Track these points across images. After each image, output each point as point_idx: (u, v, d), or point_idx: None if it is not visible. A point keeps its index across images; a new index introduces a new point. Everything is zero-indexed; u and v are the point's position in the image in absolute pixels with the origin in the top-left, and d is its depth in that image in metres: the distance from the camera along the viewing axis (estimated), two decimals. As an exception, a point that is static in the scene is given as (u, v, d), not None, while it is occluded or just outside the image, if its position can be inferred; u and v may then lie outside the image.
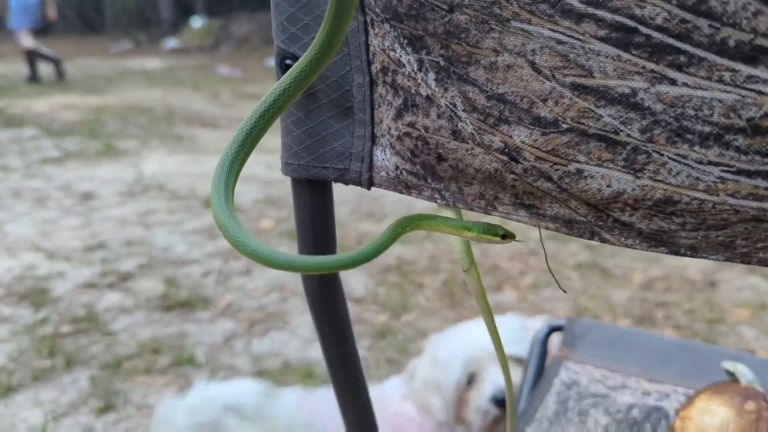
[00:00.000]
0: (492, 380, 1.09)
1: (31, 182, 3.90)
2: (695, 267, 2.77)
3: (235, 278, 2.63)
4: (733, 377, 0.82)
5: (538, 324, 1.20)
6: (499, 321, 1.20)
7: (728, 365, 0.82)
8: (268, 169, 4.19)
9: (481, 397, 1.10)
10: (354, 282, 2.58)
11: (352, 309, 2.36)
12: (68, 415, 1.75)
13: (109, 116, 6.15)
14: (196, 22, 14.53)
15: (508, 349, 1.10)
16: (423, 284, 2.57)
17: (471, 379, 1.13)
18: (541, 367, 0.97)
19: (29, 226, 3.15)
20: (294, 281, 2.57)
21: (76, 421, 1.72)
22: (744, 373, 0.81)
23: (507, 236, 0.42)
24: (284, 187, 3.77)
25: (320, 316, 0.56)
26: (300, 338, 2.17)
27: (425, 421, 1.22)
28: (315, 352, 2.07)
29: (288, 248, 2.89)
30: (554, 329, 1.02)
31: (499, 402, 1.07)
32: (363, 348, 2.09)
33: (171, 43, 13.83)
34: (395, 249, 2.93)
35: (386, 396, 1.29)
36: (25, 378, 1.91)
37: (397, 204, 3.60)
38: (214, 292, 2.50)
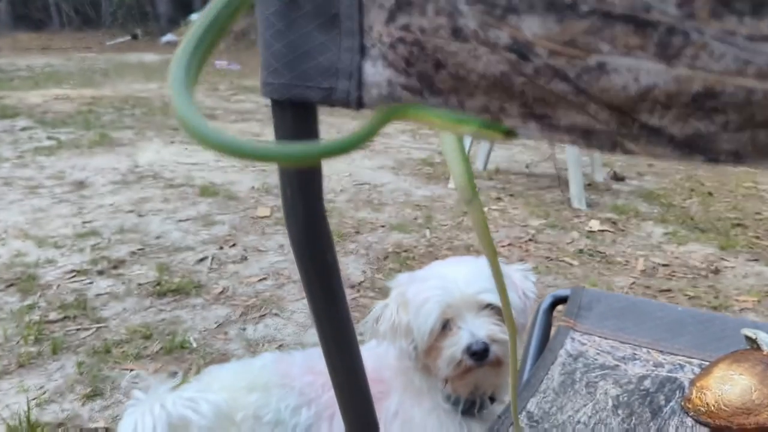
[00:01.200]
0: (468, 329, 1.02)
1: (23, 171, 3.83)
2: (699, 254, 2.72)
3: (230, 265, 2.57)
4: (754, 345, 0.76)
5: (514, 270, 1.13)
6: (475, 264, 1.14)
7: (749, 332, 0.77)
8: (264, 158, 4.12)
9: (455, 346, 1.03)
10: (351, 268, 2.52)
11: (350, 295, 2.31)
12: (53, 401, 1.69)
13: (104, 108, 6.08)
14: (195, 17, 14.44)
15: (484, 297, 1.03)
16: (421, 271, 2.51)
17: (445, 326, 1.06)
18: (545, 339, 0.91)
19: (19, 214, 3.09)
20: (290, 267, 2.51)
21: (61, 408, 1.66)
22: (766, 340, 0.75)
23: (510, 133, 0.36)
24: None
25: (306, 263, 0.50)
26: (295, 324, 2.11)
27: (383, 371, 1.17)
28: (310, 338, 2.01)
29: (283, 236, 2.83)
30: (558, 300, 0.96)
31: (474, 354, 1.01)
32: (359, 334, 2.03)
33: (168, 37, 13.75)
34: (393, 236, 2.88)
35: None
36: (10, 365, 1.85)
37: (395, 192, 3.55)
38: (208, 278, 2.44)
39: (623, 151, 0.35)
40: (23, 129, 5.01)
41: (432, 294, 1.04)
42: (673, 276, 2.51)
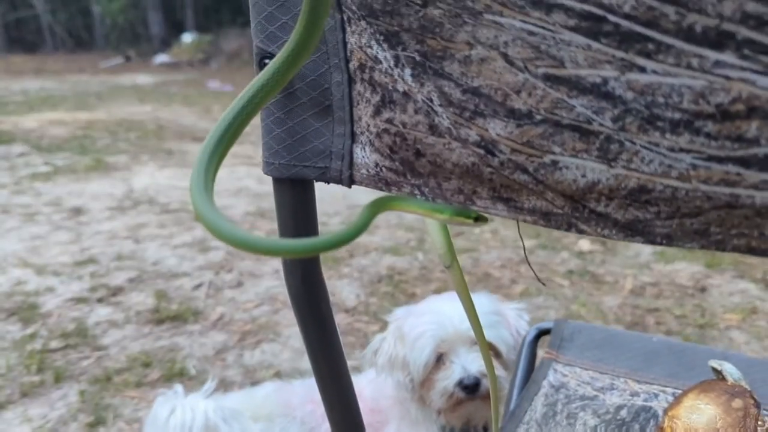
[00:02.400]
0: (461, 363, 1.08)
1: (20, 198, 3.88)
2: (686, 273, 2.78)
3: (226, 290, 2.62)
4: (720, 375, 0.82)
5: (508, 309, 1.20)
6: (473, 298, 1.20)
7: (715, 364, 0.82)
8: (259, 182, 4.19)
9: (448, 379, 1.09)
10: (345, 292, 2.58)
11: (344, 319, 2.36)
12: (57, 431, 1.73)
13: (99, 132, 6.14)
14: (187, 37, 14.57)
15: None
16: (415, 294, 2.57)
17: (438, 360, 1.12)
18: (529, 370, 0.97)
19: (18, 242, 3.14)
20: (285, 292, 2.56)
21: (65, 437, 1.70)
22: (730, 371, 0.81)
23: (480, 219, 0.42)
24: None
25: (303, 313, 0.56)
26: (291, 349, 2.16)
27: (381, 401, 1.22)
28: (307, 363, 2.05)
29: (278, 261, 2.87)
30: (542, 332, 1.02)
31: (466, 387, 1.07)
32: (354, 359, 2.08)
33: (161, 58, 13.84)
34: (386, 259, 2.93)
35: (357, 383, 1.29)
36: (13, 394, 1.89)
37: (387, 215, 3.61)
38: (205, 304, 2.49)
39: (577, 231, 0.41)
40: (19, 155, 5.06)
41: (427, 329, 1.10)
42: (661, 295, 2.57)
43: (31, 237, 3.21)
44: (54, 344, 2.17)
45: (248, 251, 0.34)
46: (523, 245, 0.81)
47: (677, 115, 0.34)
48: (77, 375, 1.99)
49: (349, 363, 1.89)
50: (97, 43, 16.76)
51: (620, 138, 0.36)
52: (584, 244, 3.12)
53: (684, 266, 2.86)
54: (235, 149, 5.38)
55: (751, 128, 0.32)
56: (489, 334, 1.09)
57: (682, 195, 0.36)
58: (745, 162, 0.33)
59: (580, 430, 0.79)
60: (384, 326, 2.09)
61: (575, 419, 0.81)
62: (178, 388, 1.21)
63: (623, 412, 0.83)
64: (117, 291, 2.60)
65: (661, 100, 0.34)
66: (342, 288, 2.62)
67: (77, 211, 3.64)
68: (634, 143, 0.36)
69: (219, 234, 0.34)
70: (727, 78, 0.32)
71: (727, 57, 0.31)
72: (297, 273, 0.54)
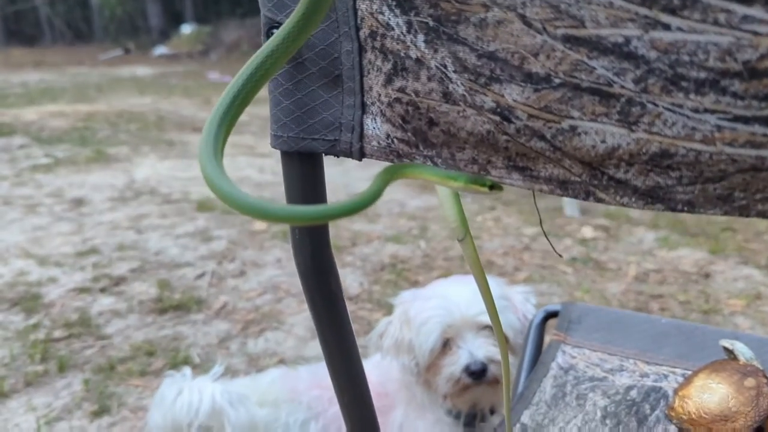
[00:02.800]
0: (467, 349, 1.07)
1: (22, 190, 3.87)
2: (689, 259, 2.78)
3: (229, 279, 2.61)
4: (731, 355, 0.81)
5: (515, 293, 1.19)
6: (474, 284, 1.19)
7: (726, 343, 0.82)
8: (260, 171, 4.18)
9: (454, 365, 1.08)
10: (349, 280, 2.57)
11: (347, 307, 2.35)
12: (62, 419, 1.73)
13: (99, 123, 6.12)
14: (186, 28, 14.51)
15: (483, 318, 1.08)
16: (418, 282, 2.56)
17: (445, 345, 1.11)
18: (537, 352, 0.96)
19: (20, 233, 3.13)
20: (288, 281, 2.56)
21: (69, 426, 1.70)
22: (742, 350, 0.80)
23: (494, 187, 0.41)
24: (277, 190, 3.76)
25: (312, 290, 0.55)
26: (295, 337, 2.16)
27: (387, 385, 1.22)
28: (311, 351, 2.05)
29: (281, 250, 2.88)
30: (550, 315, 1.01)
31: (472, 373, 1.06)
32: (359, 345, 2.07)
33: (160, 50, 13.80)
34: (389, 247, 2.93)
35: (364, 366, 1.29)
36: (17, 384, 1.89)
37: (390, 203, 3.60)
38: (208, 293, 2.49)
39: (595, 200, 0.40)
40: (20, 147, 5.05)
41: (434, 314, 1.09)
42: (665, 281, 2.57)
43: (33, 228, 3.20)
44: (57, 334, 2.17)
45: (259, 218, 0.33)
46: (539, 216, 0.80)
47: (702, 74, 0.33)
48: (81, 364, 1.99)
49: (354, 350, 1.87)
50: (96, 35, 16.70)
51: (642, 100, 0.35)
52: (587, 231, 3.11)
53: (688, 252, 2.85)
54: (235, 139, 5.36)
55: (779, 86, 0.31)
56: None
57: (705, 158, 0.35)
58: (772, 122, 0.32)
59: (590, 411, 0.79)
60: (387, 313, 2.08)
61: (585, 400, 0.81)
62: (187, 370, 1.21)
63: (633, 393, 0.82)
64: (119, 281, 2.59)
65: (685, 58, 0.33)
66: (345, 276, 2.61)
67: (79, 202, 3.63)
68: (656, 105, 0.35)
69: (230, 201, 0.33)
70: (756, 33, 0.31)
71: (756, 11, 0.30)
72: (306, 249, 0.53)
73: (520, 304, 1.17)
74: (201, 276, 2.64)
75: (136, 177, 4.18)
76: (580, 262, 2.75)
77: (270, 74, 0.39)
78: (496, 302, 1.11)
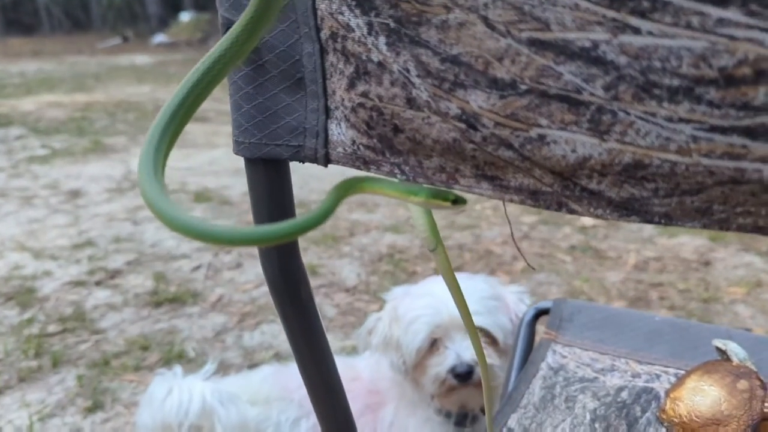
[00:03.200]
0: (454, 350, 1.06)
1: (18, 182, 3.85)
2: (689, 246, 2.75)
3: (225, 272, 2.60)
4: (724, 355, 0.79)
5: (509, 293, 1.17)
6: (468, 285, 1.17)
7: (719, 343, 0.79)
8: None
9: (440, 366, 1.06)
10: (346, 271, 2.55)
11: (344, 299, 2.34)
12: (55, 415, 1.72)
13: (97, 113, 6.09)
14: (185, 16, 14.42)
15: (477, 320, 1.06)
16: (415, 272, 2.54)
17: (432, 345, 1.09)
18: (528, 351, 0.94)
19: (15, 225, 3.11)
20: (284, 273, 2.54)
21: (63, 422, 1.69)
22: (736, 351, 0.78)
23: (458, 201, 0.39)
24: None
25: (282, 301, 0.53)
26: (291, 330, 2.14)
27: (379, 382, 1.20)
28: (306, 344, 2.04)
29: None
30: (541, 312, 0.99)
31: (458, 375, 1.04)
32: (355, 338, 2.06)
33: (159, 38, 13.72)
34: (387, 238, 2.91)
35: (355, 364, 1.28)
36: (11, 379, 1.88)
37: (388, 192, 3.56)
38: (204, 286, 2.47)
39: (568, 211, 0.38)
40: (17, 138, 5.02)
41: (422, 313, 1.07)
42: (665, 269, 2.54)
43: (29, 220, 3.19)
44: (52, 328, 2.16)
45: (200, 240, 0.31)
46: (510, 225, 0.79)
47: (676, 82, 0.30)
48: (75, 359, 1.98)
49: (349, 343, 1.86)
50: (95, 23, 16.62)
51: (613, 108, 0.32)
52: (587, 219, 3.08)
53: (688, 240, 2.83)
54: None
55: (759, 94, 0.29)
56: (486, 321, 1.07)
57: (681, 170, 0.33)
58: (751, 132, 0.30)
59: (579, 414, 0.77)
60: (384, 305, 2.07)
61: (574, 402, 0.79)
62: (177, 369, 1.19)
63: (624, 394, 0.80)
64: (115, 274, 2.58)
65: (657, 64, 0.30)
66: (342, 267, 2.60)
67: (75, 194, 3.61)
68: (628, 114, 0.32)
69: (168, 222, 0.31)
70: (732, 38, 0.28)
71: (732, 14, 0.28)
72: (274, 260, 0.51)
73: (513, 304, 1.15)
74: (197, 268, 2.63)
75: (134, 168, 4.16)
76: (579, 250, 2.73)
77: (219, 79, 0.36)
78: (486, 303, 1.09)
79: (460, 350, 1.04)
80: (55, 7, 16.63)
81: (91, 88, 7.80)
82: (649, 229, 2.97)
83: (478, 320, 1.05)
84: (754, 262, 2.58)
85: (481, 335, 1.05)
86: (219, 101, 6.69)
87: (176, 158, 4.37)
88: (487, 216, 3.16)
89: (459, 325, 1.05)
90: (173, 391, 1.10)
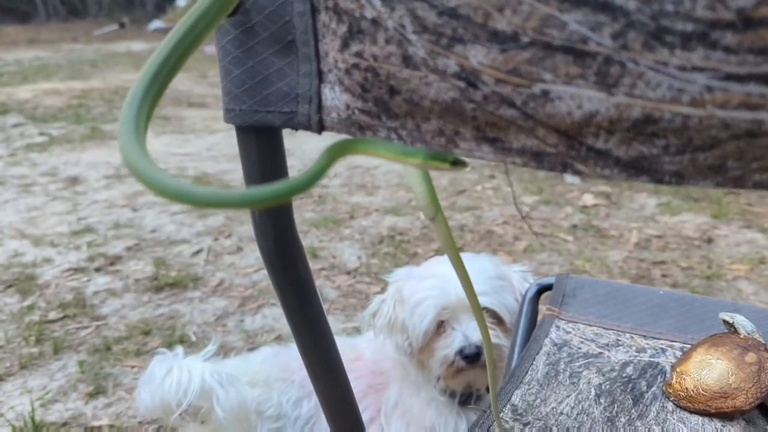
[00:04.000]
0: (462, 332, 1.04)
1: (16, 169, 3.83)
2: (692, 224, 2.73)
3: (226, 256, 2.58)
4: (731, 328, 0.78)
5: (514, 272, 1.15)
6: (473, 264, 1.15)
7: (726, 316, 0.78)
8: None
9: (448, 348, 1.05)
10: (347, 254, 2.54)
11: (345, 281, 2.32)
12: (57, 401, 1.71)
13: (94, 100, 6.05)
14: (181, 1, 14.30)
15: (480, 300, 1.05)
16: (417, 254, 2.53)
17: (439, 326, 1.08)
18: (531, 328, 0.92)
19: (14, 213, 3.10)
20: (285, 256, 2.53)
21: (65, 407, 1.68)
22: (743, 323, 0.77)
23: (457, 163, 0.37)
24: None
25: (278, 276, 0.51)
26: (292, 313, 2.13)
27: (382, 363, 1.19)
28: (308, 327, 2.03)
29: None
30: (543, 288, 0.97)
31: (466, 357, 1.03)
32: (356, 320, 2.05)
33: (156, 24, 13.62)
34: (387, 220, 2.89)
35: (357, 344, 1.27)
36: (12, 366, 1.87)
37: (388, 174, 3.55)
38: (205, 270, 2.46)
39: (573, 172, 0.36)
40: (14, 126, 5.00)
41: (428, 294, 1.05)
42: (667, 247, 2.53)
43: (28, 208, 3.17)
44: (52, 315, 2.15)
45: (180, 202, 0.29)
46: (513, 194, 0.76)
47: (689, 26, 0.28)
48: (76, 345, 1.97)
49: (351, 325, 1.85)
50: (90, 10, 16.49)
51: (621, 59, 0.31)
52: (588, 198, 3.06)
53: (690, 217, 2.81)
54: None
55: (778, 38, 0.27)
56: (492, 301, 1.05)
57: (694, 124, 0.31)
58: (770, 80, 0.28)
59: (584, 390, 0.75)
60: (386, 287, 2.06)
61: (579, 378, 0.77)
62: (179, 349, 1.18)
63: (629, 369, 0.79)
64: (115, 260, 2.56)
65: (669, 8, 0.28)
66: (343, 250, 2.58)
67: (74, 181, 3.59)
68: (637, 64, 0.30)
69: (151, 184, 0.29)
70: (750, -24, 0.26)
71: (750, -51, 0.26)
72: (269, 234, 0.49)
73: (517, 283, 1.13)
74: (197, 253, 2.61)
75: (132, 154, 4.13)
76: (581, 229, 2.71)
77: (202, 38, 0.34)
78: (492, 282, 1.08)
79: (468, 331, 1.03)
80: (51, -5, 16.51)
81: (88, 76, 7.75)
82: (651, 206, 2.95)
83: (484, 300, 1.04)
84: (757, 239, 2.56)
85: (487, 315, 1.04)
86: (217, 86, 6.65)
87: (175, 144, 4.35)
88: (488, 197, 3.14)
89: (466, 306, 1.04)
90: (173, 371, 1.09)
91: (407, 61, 0.37)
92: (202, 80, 7.14)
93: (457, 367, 1.04)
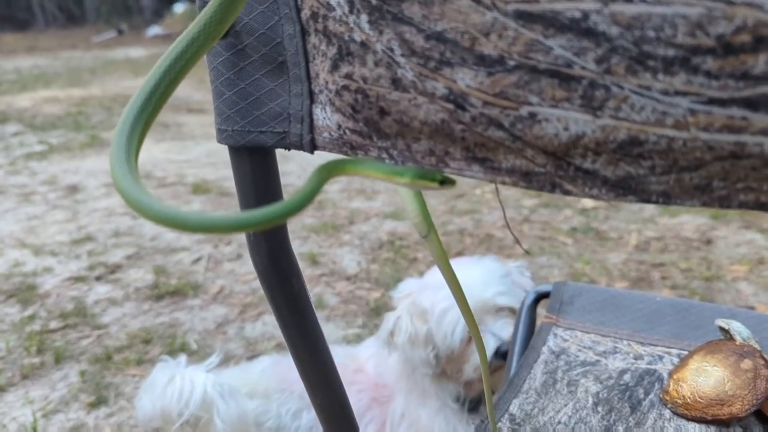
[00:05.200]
0: (491, 332, 1.05)
1: (16, 178, 3.83)
2: (691, 225, 2.74)
3: (226, 263, 2.59)
4: (727, 335, 0.78)
5: (513, 268, 1.17)
6: (483, 266, 1.16)
7: (722, 323, 0.78)
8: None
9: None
10: (346, 260, 2.54)
11: (345, 287, 2.33)
12: (59, 411, 1.71)
13: (93, 108, 6.06)
14: (179, 7, 14.33)
15: (500, 300, 1.06)
16: (416, 259, 2.53)
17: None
18: (529, 335, 0.93)
19: (14, 222, 3.10)
20: (285, 263, 2.53)
21: (66, 418, 1.69)
22: (739, 330, 0.77)
23: (446, 182, 0.38)
24: (282, 165, 3.71)
25: (273, 291, 0.51)
26: (292, 320, 2.13)
27: (385, 376, 1.19)
28: (308, 334, 2.03)
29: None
30: (541, 295, 0.98)
31: (503, 354, 1.04)
32: (357, 326, 2.05)
33: (154, 30, 13.64)
34: (387, 225, 2.89)
35: (358, 355, 1.27)
36: (14, 377, 1.87)
37: (387, 179, 3.55)
38: (205, 278, 2.46)
39: (563, 192, 0.37)
40: (14, 134, 5.00)
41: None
42: (666, 249, 2.53)
43: (28, 217, 3.18)
44: (53, 324, 2.15)
45: (171, 228, 0.29)
46: (503, 210, 0.78)
47: (671, 52, 0.29)
48: (77, 355, 1.97)
49: (352, 332, 1.85)
50: (89, 17, 16.51)
51: (606, 82, 0.31)
52: (587, 201, 3.07)
53: (689, 219, 2.81)
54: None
55: (759, 63, 0.27)
56: (511, 300, 1.07)
57: (679, 146, 0.31)
58: (752, 104, 0.28)
59: (582, 398, 0.76)
60: (386, 292, 2.05)
61: (576, 386, 0.78)
62: (182, 358, 1.18)
63: (627, 377, 0.79)
64: (115, 268, 2.57)
65: (651, 34, 0.29)
66: (342, 256, 2.59)
67: (73, 189, 3.60)
68: (621, 88, 0.31)
69: (143, 211, 0.30)
70: (729, 3, 0.27)
71: (729, -23, 0.26)
72: (262, 250, 0.49)
73: (518, 278, 1.14)
74: (197, 261, 2.62)
75: (131, 161, 4.14)
76: (581, 232, 2.72)
77: (194, 61, 0.35)
78: (504, 281, 1.09)
79: (496, 330, 1.04)
80: (49, 2, 16.54)
81: (86, 83, 7.76)
82: (650, 208, 2.96)
83: (504, 300, 1.05)
84: (756, 240, 2.56)
85: (510, 313, 1.06)
86: (215, 92, 6.66)
87: (174, 150, 4.35)
88: (488, 200, 3.14)
89: (489, 307, 1.05)
90: (175, 380, 1.09)
91: (396, 83, 0.38)
92: (201, 86, 7.14)
93: (495, 367, 1.05)
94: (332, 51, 0.40)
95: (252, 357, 1.86)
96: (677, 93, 0.29)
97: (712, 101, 0.29)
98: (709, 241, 2.57)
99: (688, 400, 0.72)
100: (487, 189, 3.30)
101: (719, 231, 2.66)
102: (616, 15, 0.29)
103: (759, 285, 2.20)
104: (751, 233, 2.61)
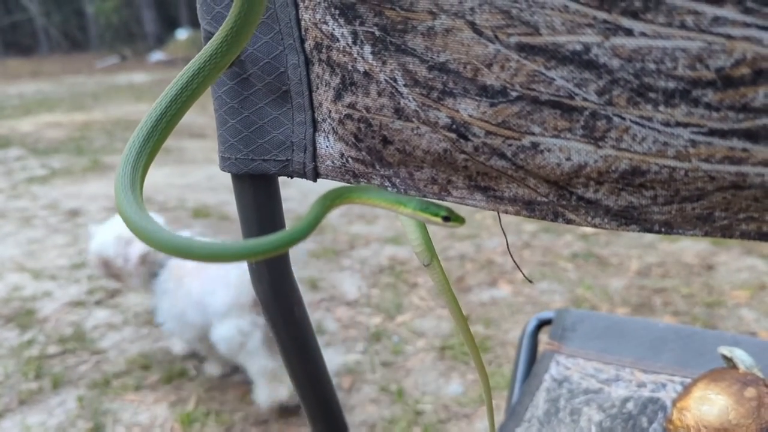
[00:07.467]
0: None
1: (17, 202, 3.84)
2: (692, 251, 2.73)
3: (226, 288, 2.57)
4: (730, 363, 0.77)
5: None
6: None
7: (725, 351, 0.78)
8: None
9: None
10: (346, 285, 2.53)
11: (345, 312, 2.32)
12: (56, 438, 1.70)
13: (95, 132, 6.09)
14: (181, 33, 14.49)
15: None
16: (416, 284, 2.53)
17: None
18: (531, 363, 0.92)
19: (15, 246, 3.10)
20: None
21: (63, 444, 1.67)
22: (742, 358, 0.77)
23: (451, 219, 0.37)
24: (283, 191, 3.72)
25: (275, 320, 0.51)
26: (292, 346, 2.12)
27: None
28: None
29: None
30: (543, 322, 0.97)
31: None
32: (357, 352, 2.04)
33: (157, 56, 13.78)
34: (387, 249, 2.89)
35: None
36: (11, 402, 1.86)
37: (388, 204, 3.55)
38: (204, 303, 2.45)
39: (565, 221, 0.37)
40: (16, 159, 5.02)
41: None
42: (667, 275, 2.52)
43: (28, 241, 3.18)
44: (52, 350, 2.14)
45: (181, 257, 0.29)
46: (506, 238, 0.77)
47: (672, 84, 0.29)
48: (75, 380, 1.96)
49: (352, 357, 1.84)
50: (92, 43, 16.69)
51: (607, 113, 0.31)
52: (588, 225, 3.06)
53: (690, 244, 2.81)
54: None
55: (758, 95, 0.28)
56: None
57: (680, 176, 0.31)
58: (752, 135, 0.28)
59: (584, 427, 0.75)
60: (387, 318, 2.04)
61: (579, 415, 0.77)
62: None
63: (630, 405, 0.79)
64: (114, 293, 2.56)
65: (652, 67, 0.29)
66: (343, 280, 2.58)
67: (74, 213, 3.60)
68: (623, 119, 0.31)
69: (149, 240, 0.30)
70: (729, 37, 0.27)
71: (728, 12, 0.27)
72: (264, 278, 0.49)
73: None
74: (197, 285, 2.60)
75: (133, 185, 4.15)
76: (582, 258, 2.71)
77: (199, 92, 0.35)
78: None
79: None
80: (53, 28, 16.72)
81: (89, 108, 7.81)
82: (651, 234, 2.95)
83: None
84: (757, 265, 2.56)
85: None
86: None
87: (175, 174, 4.37)
88: (488, 226, 3.14)
89: None
90: None
91: (399, 112, 0.38)
92: (203, 111, 7.18)
93: None
94: (336, 80, 0.40)
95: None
96: (678, 124, 0.30)
97: (713, 132, 0.29)
98: (710, 267, 2.56)
99: (692, 429, 0.71)
100: (488, 214, 3.30)
101: (720, 257, 2.65)
102: (617, 48, 0.29)
103: (761, 311, 2.19)
104: (752, 259, 2.61)
